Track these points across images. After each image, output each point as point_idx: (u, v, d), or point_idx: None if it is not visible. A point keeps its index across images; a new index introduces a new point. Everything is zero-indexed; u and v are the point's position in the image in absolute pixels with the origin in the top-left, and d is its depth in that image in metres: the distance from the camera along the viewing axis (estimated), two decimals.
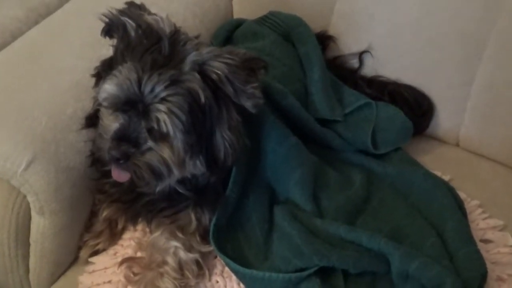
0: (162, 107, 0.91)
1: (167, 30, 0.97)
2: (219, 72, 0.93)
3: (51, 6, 1.40)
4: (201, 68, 0.93)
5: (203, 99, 0.93)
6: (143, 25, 0.96)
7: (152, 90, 0.91)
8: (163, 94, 0.91)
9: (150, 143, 0.94)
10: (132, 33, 0.96)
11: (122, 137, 0.93)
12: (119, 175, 0.98)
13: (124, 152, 0.93)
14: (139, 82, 0.91)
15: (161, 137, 0.93)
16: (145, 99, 0.91)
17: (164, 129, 0.92)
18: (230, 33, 1.37)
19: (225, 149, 0.97)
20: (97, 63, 1.02)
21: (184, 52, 0.94)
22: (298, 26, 1.31)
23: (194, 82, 0.93)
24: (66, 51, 1.16)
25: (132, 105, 0.92)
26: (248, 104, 0.96)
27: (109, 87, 0.93)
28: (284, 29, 1.32)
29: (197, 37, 1.01)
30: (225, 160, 0.99)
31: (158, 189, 1.01)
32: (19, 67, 1.14)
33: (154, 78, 0.90)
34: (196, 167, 0.98)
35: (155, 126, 0.92)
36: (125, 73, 0.92)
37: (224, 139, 0.97)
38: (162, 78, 0.91)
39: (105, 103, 0.95)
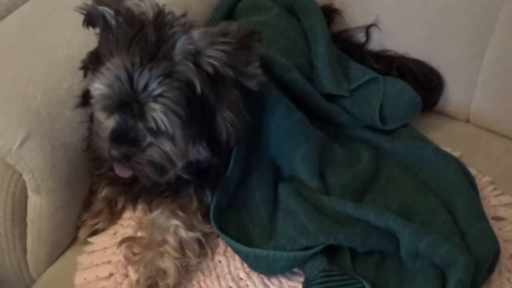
0: (157, 106, 0.86)
1: (151, 12, 0.91)
2: (216, 63, 0.88)
3: None
4: (195, 60, 0.88)
5: (199, 89, 0.88)
6: (123, 12, 0.91)
7: (145, 87, 0.86)
8: (157, 91, 0.86)
9: (149, 139, 0.91)
10: (113, 22, 0.91)
11: (120, 137, 0.90)
12: (122, 171, 0.95)
13: (125, 153, 0.90)
14: (131, 81, 0.86)
15: (161, 132, 0.90)
16: (139, 98, 0.87)
17: (163, 128, 0.88)
18: (232, 6, 1.33)
19: (227, 129, 0.94)
20: (94, 36, 0.97)
21: (173, 37, 0.89)
22: None
23: (189, 72, 0.88)
24: (61, 25, 1.12)
25: (126, 106, 0.88)
26: (250, 84, 0.92)
27: (100, 87, 0.88)
28: (288, 1, 1.29)
29: (183, 15, 0.96)
30: (228, 140, 0.95)
31: (162, 181, 0.98)
32: (13, 42, 1.10)
33: (145, 74, 0.86)
34: (200, 152, 0.96)
35: (153, 126, 0.88)
36: (114, 70, 0.87)
37: (224, 120, 0.93)
38: (155, 73, 0.86)
39: (97, 106, 0.91)
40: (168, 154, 0.92)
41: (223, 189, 1.03)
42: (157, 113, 0.87)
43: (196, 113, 0.90)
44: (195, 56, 0.88)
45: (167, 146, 0.92)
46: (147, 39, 0.88)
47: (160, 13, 0.92)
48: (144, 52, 0.87)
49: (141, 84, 0.86)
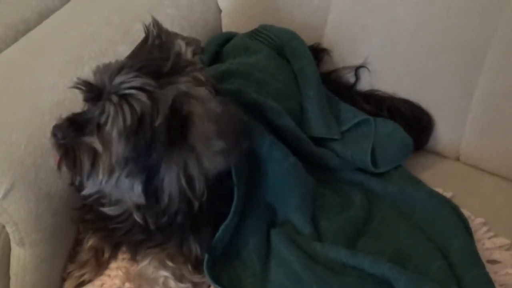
0: (115, 99, 0.84)
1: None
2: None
3: (30, 23, 1.36)
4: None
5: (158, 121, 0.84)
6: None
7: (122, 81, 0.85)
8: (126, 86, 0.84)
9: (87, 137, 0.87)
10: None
11: (73, 119, 0.88)
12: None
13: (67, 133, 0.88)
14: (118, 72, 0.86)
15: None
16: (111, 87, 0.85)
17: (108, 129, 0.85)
18: (219, 47, 1.32)
19: (171, 194, 0.88)
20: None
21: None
22: (291, 40, 1.27)
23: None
24: (46, 70, 1.10)
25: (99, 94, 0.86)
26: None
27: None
28: (277, 44, 1.28)
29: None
30: (168, 205, 0.89)
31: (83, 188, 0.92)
32: None
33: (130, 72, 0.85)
34: (133, 192, 0.89)
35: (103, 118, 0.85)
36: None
37: (175, 183, 0.87)
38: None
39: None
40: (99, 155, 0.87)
41: (220, 238, 0.99)
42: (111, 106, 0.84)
43: (142, 141, 0.84)
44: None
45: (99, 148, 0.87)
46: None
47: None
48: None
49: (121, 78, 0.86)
